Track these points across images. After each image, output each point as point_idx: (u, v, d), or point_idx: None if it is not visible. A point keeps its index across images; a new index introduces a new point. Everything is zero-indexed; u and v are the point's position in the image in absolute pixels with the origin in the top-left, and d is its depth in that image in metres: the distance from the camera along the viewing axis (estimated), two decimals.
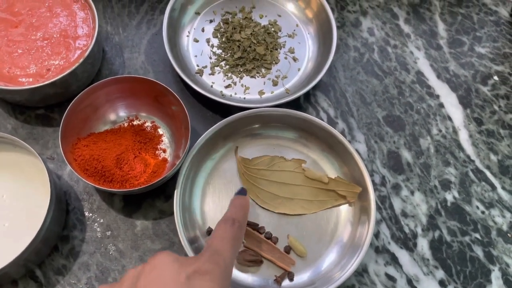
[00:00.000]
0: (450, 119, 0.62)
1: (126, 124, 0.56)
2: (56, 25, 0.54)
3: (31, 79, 0.52)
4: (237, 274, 0.51)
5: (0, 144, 0.51)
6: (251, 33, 0.63)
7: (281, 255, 0.51)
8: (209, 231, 0.52)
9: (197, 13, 0.65)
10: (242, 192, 0.44)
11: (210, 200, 0.54)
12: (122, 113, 0.56)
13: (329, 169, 0.56)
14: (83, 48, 0.54)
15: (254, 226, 0.53)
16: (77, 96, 0.50)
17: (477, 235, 0.55)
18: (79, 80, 0.56)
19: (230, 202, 0.43)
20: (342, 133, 0.59)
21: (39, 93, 0.52)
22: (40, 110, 0.57)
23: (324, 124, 0.55)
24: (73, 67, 0.51)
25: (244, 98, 0.60)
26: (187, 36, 0.64)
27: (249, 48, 0.62)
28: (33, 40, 0.53)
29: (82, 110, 0.52)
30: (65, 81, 0.52)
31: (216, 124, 0.54)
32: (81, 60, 0.52)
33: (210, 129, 0.54)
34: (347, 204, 0.54)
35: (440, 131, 0.61)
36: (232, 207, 0.41)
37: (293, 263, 0.51)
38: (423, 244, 0.54)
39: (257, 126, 0.57)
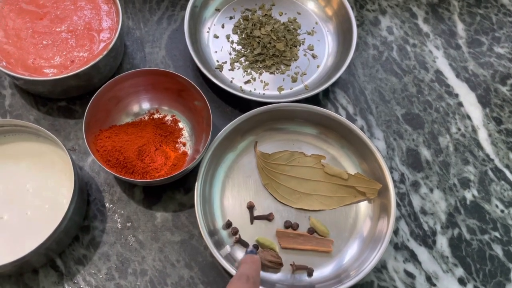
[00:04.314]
0: (469, 118, 0.62)
1: (146, 118, 0.57)
2: (81, 17, 0.55)
3: (55, 70, 0.52)
4: None
5: (24, 134, 0.51)
6: (271, 30, 0.63)
7: (318, 241, 0.52)
8: (229, 224, 0.52)
9: (217, 10, 0.66)
10: (253, 251, 0.43)
11: (230, 194, 0.54)
12: (144, 106, 0.57)
13: (349, 165, 0.56)
14: (107, 41, 0.54)
15: (266, 216, 0.53)
16: (102, 87, 0.51)
17: (497, 234, 0.55)
18: (101, 73, 0.56)
19: (240, 261, 0.42)
20: (361, 129, 0.59)
21: (62, 84, 0.53)
22: (62, 102, 0.58)
23: (344, 119, 0.55)
24: (97, 60, 0.52)
25: (264, 93, 0.61)
26: (207, 32, 0.64)
27: (268, 44, 0.63)
28: (57, 32, 0.54)
29: (105, 102, 0.53)
30: (88, 73, 0.52)
31: (236, 119, 0.54)
32: (104, 53, 0.52)
33: (230, 124, 0.54)
34: (367, 201, 0.54)
35: (459, 129, 0.61)
36: (244, 264, 0.40)
37: (332, 242, 0.52)
38: (442, 242, 0.54)
39: (276, 121, 0.58)
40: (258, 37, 0.63)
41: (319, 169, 0.56)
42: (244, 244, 0.51)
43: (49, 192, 0.49)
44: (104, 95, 0.52)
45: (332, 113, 0.55)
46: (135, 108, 0.57)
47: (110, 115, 0.55)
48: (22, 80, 0.51)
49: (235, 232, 0.52)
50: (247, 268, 0.39)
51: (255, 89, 0.61)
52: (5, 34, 0.53)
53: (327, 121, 0.56)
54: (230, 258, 0.50)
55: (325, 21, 0.66)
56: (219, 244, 0.50)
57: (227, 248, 0.50)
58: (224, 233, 0.52)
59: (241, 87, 0.61)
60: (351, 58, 0.59)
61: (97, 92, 0.51)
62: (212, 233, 0.50)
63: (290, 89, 0.61)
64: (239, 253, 0.51)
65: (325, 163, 0.56)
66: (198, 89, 0.52)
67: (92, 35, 0.54)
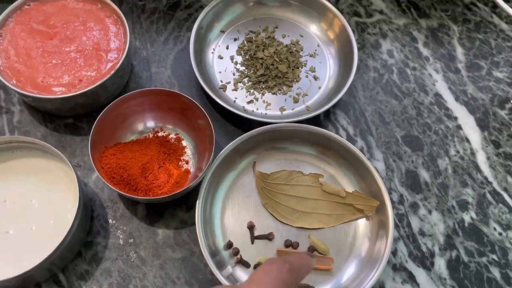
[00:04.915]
0: (468, 141, 0.62)
1: (151, 135, 0.58)
2: (90, 38, 0.57)
3: (63, 89, 0.54)
4: None
5: (31, 150, 0.52)
6: (274, 52, 0.65)
7: (318, 259, 0.52)
8: (229, 244, 0.53)
9: (222, 31, 0.68)
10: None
11: (230, 213, 0.55)
12: (149, 124, 0.58)
13: (347, 184, 0.57)
14: (114, 61, 0.56)
15: (266, 236, 0.54)
16: (108, 106, 0.52)
17: (494, 257, 0.55)
18: (108, 92, 0.58)
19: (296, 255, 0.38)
20: (361, 150, 0.60)
21: (69, 102, 0.54)
22: (69, 119, 0.59)
23: (344, 140, 0.56)
24: (104, 79, 0.53)
25: (266, 113, 0.62)
26: (212, 53, 0.66)
27: (271, 66, 0.64)
28: (67, 52, 0.56)
29: (111, 120, 0.54)
30: (95, 92, 0.54)
31: (238, 138, 0.55)
32: (112, 73, 0.54)
33: (231, 143, 0.55)
34: (365, 218, 0.55)
35: (458, 152, 0.62)
36: (297, 255, 0.37)
37: (332, 260, 0.53)
38: (440, 264, 0.54)
39: (277, 141, 0.59)
40: (261, 58, 0.65)
41: (318, 188, 0.57)
42: (245, 264, 0.52)
43: (54, 208, 0.51)
44: (111, 113, 0.54)
45: (332, 133, 0.56)
46: (140, 126, 0.58)
47: (115, 133, 0.56)
48: (31, 97, 0.53)
49: (236, 252, 0.52)
50: (295, 257, 0.36)
51: (257, 109, 0.62)
52: (16, 53, 0.55)
53: (327, 141, 0.57)
54: (231, 278, 0.50)
55: (327, 44, 0.67)
56: (220, 265, 0.51)
57: (229, 268, 0.51)
58: (225, 254, 0.53)
59: (243, 107, 0.62)
60: (352, 80, 0.60)
61: (103, 111, 0.52)
62: (214, 253, 0.51)
63: (292, 110, 0.63)
64: (241, 273, 0.52)
65: (323, 181, 0.57)
66: (202, 108, 0.54)
67: (100, 55, 0.56)
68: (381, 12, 0.72)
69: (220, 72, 0.65)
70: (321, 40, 0.68)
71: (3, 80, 0.52)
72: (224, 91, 0.63)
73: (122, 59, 0.55)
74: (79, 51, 0.56)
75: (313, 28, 0.68)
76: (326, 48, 0.67)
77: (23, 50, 0.55)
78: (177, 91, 0.54)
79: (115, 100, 0.53)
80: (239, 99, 0.63)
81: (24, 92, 0.52)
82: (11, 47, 0.55)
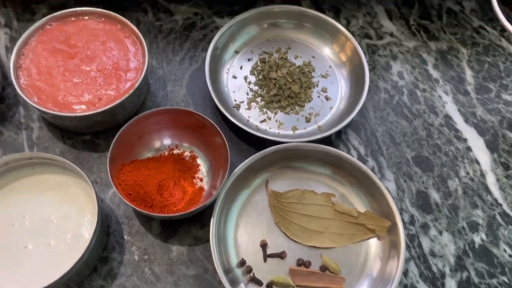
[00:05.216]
0: (477, 162, 0.63)
1: (166, 153, 0.59)
2: (109, 58, 0.58)
3: (83, 107, 0.55)
4: None
5: (50, 166, 0.54)
6: (287, 72, 0.66)
7: (330, 278, 0.53)
8: (242, 262, 0.54)
9: (237, 52, 0.69)
10: None
11: (243, 231, 0.56)
12: (165, 142, 0.60)
13: (358, 204, 0.58)
14: (133, 81, 0.58)
15: (279, 254, 0.54)
16: (126, 125, 0.54)
17: (505, 278, 0.56)
18: (126, 110, 0.59)
19: None
20: (372, 170, 0.61)
21: (88, 120, 0.56)
22: (87, 136, 0.60)
23: (354, 160, 0.57)
24: (123, 98, 0.55)
25: (278, 133, 0.63)
26: (227, 72, 0.68)
27: (284, 86, 0.66)
28: (87, 71, 0.57)
29: (128, 138, 0.55)
30: (114, 110, 0.55)
31: (251, 157, 0.57)
32: (130, 92, 0.56)
33: (245, 162, 0.56)
34: (376, 238, 0.56)
35: (468, 173, 0.62)
36: None
37: (344, 280, 0.53)
38: (451, 285, 0.55)
39: (290, 160, 0.60)
40: (275, 79, 0.66)
41: (330, 207, 0.57)
42: (258, 282, 0.53)
43: (72, 223, 0.52)
44: (129, 131, 0.55)
45: (343, 153, 0.58)
46: (157, 144, 0.59)
47: (132, 150, 0.57)
48: (51, 115, 0.55)
49: (249, 270, 0.53)
50: None
51: (270, 128, 0.63)
52: (38, 71, 0.57)
53: (338, 161, 0.59)
54: None
55: (339, 65, 0.69)
56: (233, 282, 0.51)
57: (242, 286, 0.51)
58: (238, 271, 0.53)
59: (257, 126, 0.63)
60: (364, 101, 0.61)
61: (122, 129, 0.53)
62: (227, 271, 0.52)
63: (304, 129, 0.64)
64: None
65: (335, 201, 0.58)
66: (217, 127, 0.55)
67: (119, 75, 0.58)
68: (391, 34, 0.73)
69: (234, 92, 0.66)
70: (333, 61, 0.69)
71: (25, 98, 0.54)
72: (238, 110, 0.65)
73: (141, 79, 0.57)
74: (99, 70, 0.57)
75: (325, 50, 0.70)
76: (338, 70, 0.69)
77: (44, 68, 0.57)
78: (193, 110, 0.55)
79: (133, 119, 0.55)
80: (253, 118, 0.64)
81: (45, 110, 0.54)
82: (33, 66, 0.57)
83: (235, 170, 0.56)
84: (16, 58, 0.57)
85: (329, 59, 0.69)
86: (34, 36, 0.59)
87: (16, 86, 0.55)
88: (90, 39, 0.60)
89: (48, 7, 0.70)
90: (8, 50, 0.66)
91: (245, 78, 0.67)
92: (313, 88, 0.67)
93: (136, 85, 0.56)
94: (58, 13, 0.60)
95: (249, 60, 0.69)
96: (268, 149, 0.57)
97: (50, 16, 0.60)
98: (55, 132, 0.60)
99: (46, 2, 0.70)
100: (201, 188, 0.57)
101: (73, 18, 0.61)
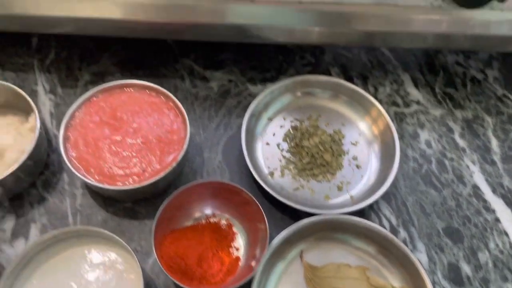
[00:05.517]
0: (506, 234, 0.65)
1: (204, 221, 0.61)
2: (153, 130, 0.61)
3: (129, 179, 0.57)
4: None
5: (95, 238, 0.56)
6: (319, 141, 0.69)
7: None
8: None
9: (270, 119, 0.72)
10: None
11: None
12: (204, 212, 0.62)
13: (391, 276, 0.59)
14: (175, 153, 0.60)
15: None
16: (169, 198, 0.56)
17: None
18: (167, 180, 0.61)
19: None
20: (404, 241, 0.63)
21: (132, 191, 0.58)
22: (128, 204, 0.63)
23: (387, 232, 0.58)
24: (167, 171, 0.57)
25: (312, 202, 0.65)
26: (260, 139, 0.70)
27: (316, 154, 0.68)
28: (132, 143, 0.60)
29: (170, 209, 0.57)
30: (157, 182, 0.58)
31: (288, 229, 0.58)
32: (173, 165, 0.58)
33: (282, 234, 0.58)
34: None
35: (497, 246, 0.64)
36: None
37: None
38: None
39: (323, 231, 0.61)
40: (307, 147, 0.68)
41: (365, 281, 0.59)
42: None
43: None
44: (170, 204, 0.57)
45: (376, 226, 0.59)
46: (196, 214, 0.61)
47: (172, 221, 0.59)
48: (97, 187, 0.57)
49: None
50: None
51: (303, 196, 0.65)
52: (85, 143, 0.60)
53: (371, 233, 0.60)
54: None
55: (369, 135, 0.71)
56: None
57: None
58: None
59: (290, 194, 0.65)
60: (395, 174, 0.63)
61: (165, 203, 0.56)
62: None
63: (336, 198, 0.66)
64: None
65: (370, 274, 0.59)
66: (259, 206, 0.57)
67: (162, 147, 0.60)
68: (418, 102, 0.76)
69: (267, 159, 0.68)
70: (363, 130, 0.71)
71: (73, 170, 0.56)
72: (272, 177, 0.67)
73: (183, 152, 0.59)
74: (144, 142, 0.60)
75: (356, 119, 0.72)
76: (368, 139, 0.71)
77: (91, 140, 0.60)
78: (239, 186, 0.57)
79: (176, 192, 0.57)
80: (286, 186, 0.66)
81: (92, 183, 0.56)
82: (80, 138, 0.60)
83: (273, 242, 0.57)
84: (65, 130, 0.60)
85: (359, 127, 0.72)
86: (81, 108, 0.62)
87: (65, 158, 0.57)
88: (135, 110, 0.63)
89: (90, 73, 0.73)
90: (53, 116, 0.69)
91: (278, 145, 0.70)
92: (344, 155, 0.69)
93: (179, 158, 0.59)
94: (104, 85, 0.64)
95: (281, 127, 0.72)
96: (304, 221, 0.59)
97: (96, 89, 0.63)
98: (98, 199, 0.63)
99: (88, 69, 0.74)
100: (237, 258, 0.59)
101: (118, 90, 0.64)
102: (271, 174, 0.67)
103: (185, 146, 0.60)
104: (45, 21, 0.67)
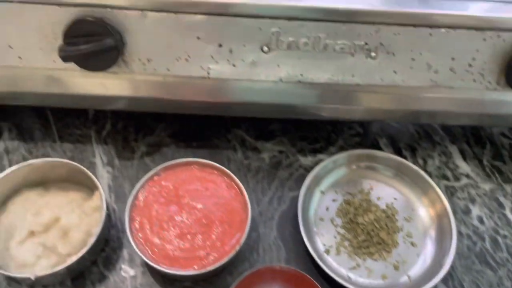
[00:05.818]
0: None
1: None
2: (217, 211, 0.61)
3: (194, 266, 0.58)
4: None
5: None
6: (374, 218, 0.69)
7: None
8: None
9: (322, 192, 0.73)
10: None
11: None
12: None
13: None
14: (236, 234, 0.60)
15: None
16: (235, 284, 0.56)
17: None
18: (229, 262, 0.62)
19: None
20: None
21: (197, 275, 0.58)
22: (187, 283, 0.63)
23: None
24: (230, 256, 0.58)
25: (369, 283, 0.65)
26: (314, 214, 0.70)
27: (372, 232, 0.68)
28: (196, 225, 0.60)
29: None
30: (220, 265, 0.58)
31: None
32: (237, 248, 0.58)
33: None
34: None
35: None
36: None
37: None
38: None
39: None
40: (362, 223, 0.69)
41: None
42: None
43: None
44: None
45: None
46: None
47: None
48: (164, 272, 0.57)
49: None
50: None
51: (360, 277, 0.65)
52: (149, 223, 0.60)
53: None
54: None
55: (423, 213, 0.71)
56: None
57: None
58: None
59: (347, 274, 0.65)
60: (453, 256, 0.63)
61: None
62: None
63: (393, 278, 0.65)
64: None
65: None
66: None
67: (225, 229, 0.61)
68: (467, 176, 0.77)
69: (323, 235, 0.69)
70: (417, 207, 0.72)
71: (140, 254, 0.57)
72: (328, 254, 0.67)
73: (245, 234, 0.60)
74: (208, 224, 0.61)
75: (406, 191, 0.73)
76: (422, 217, 0.71)
77: (156, 221, 0.60)
78: (308, 276, 0.58)
79: (238, 280, 0.57)
80: (342, 264, 0.66)
81: (160, 269, 0.57)
82: (145, 219, 0.61)
83: None
84: (130, 211, 0.61)
85: (413, 204, 0.72)
86: (144, 187, 0.63)
87: (131, 241, 0.58)
88: (197, 190, 0.63)
89: (146, 144, 0.75)
90: (111, 189, 0.70)
91: (332, 220, 0.70)
92: (398, 232, 0.70)
93: (242, 240, 0.59)
94: (167, 164, 0.65)
95: (333, 201, 0.72)
96: None
97: (159, 167, 0.64)
98: (157, 277, 0.63)
99: (144, 140, 0.75)
100: None
101: (180, 168, 0.65)
102: (327, 251, 0.67)
103: (247, 229, 0.60)
104: (99, 101, 0.67)
